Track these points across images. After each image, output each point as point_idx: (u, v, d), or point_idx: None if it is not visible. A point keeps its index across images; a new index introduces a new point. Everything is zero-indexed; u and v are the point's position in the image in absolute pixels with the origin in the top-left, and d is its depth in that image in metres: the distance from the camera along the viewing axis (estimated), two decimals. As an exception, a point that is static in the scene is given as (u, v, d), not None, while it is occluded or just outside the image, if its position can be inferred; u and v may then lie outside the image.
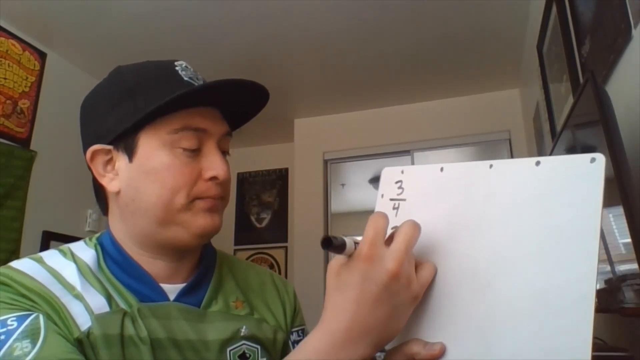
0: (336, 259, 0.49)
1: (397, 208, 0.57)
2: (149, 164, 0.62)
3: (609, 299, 0.91)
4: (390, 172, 0.59)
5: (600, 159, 0.45)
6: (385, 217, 0.49)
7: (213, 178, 0.63)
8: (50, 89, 2.67)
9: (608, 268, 0.93)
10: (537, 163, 0.48)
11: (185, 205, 0.62)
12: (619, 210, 0.77)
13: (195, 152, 0.63)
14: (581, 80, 1.53)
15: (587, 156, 0.45)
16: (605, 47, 1.21)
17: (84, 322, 0.57)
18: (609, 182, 0.77)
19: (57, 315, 0.56)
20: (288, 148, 3.94)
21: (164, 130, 0.62)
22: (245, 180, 4.25)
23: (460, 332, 0.48)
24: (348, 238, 0.48)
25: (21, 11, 2.36)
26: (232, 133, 0.70)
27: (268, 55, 2.85)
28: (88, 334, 0.56)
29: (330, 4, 2.35)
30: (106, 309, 0.59)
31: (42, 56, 2.65)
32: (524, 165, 0.49)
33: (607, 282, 0.93)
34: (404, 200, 0.57)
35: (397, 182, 0.58)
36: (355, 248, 0.47)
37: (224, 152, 0.67)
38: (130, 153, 0.63)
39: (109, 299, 0.60)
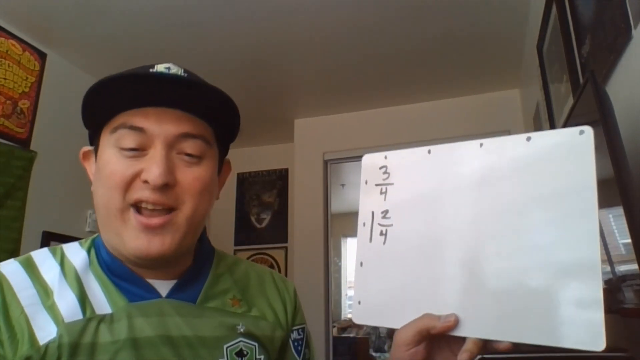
0: None
1: (385, 192, 0.57)
2: (99, 163, 0.63)
3: (609, 299, 0.90)
4: (372, 159, 0.60)
5: (589, 130, 0.46)
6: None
7: (146, 181, 0.59)
8: (50, 89, 2.67)
9: (608, 268, 0.93)
10: (528, 138, 0.50)
11: (120, 209, 0.59)
12: (619, 210, 0.77)
13: (138, 153, 0.60)
14: (581, 80, 1.53)
15: (576, 129, 0.47)
16: (605, 47, 1.21)
17: (45, 335, 0.56)
18: (609, 182, 0.77)
19: (10, 332, 0.56)
20: (288, 148, 3.93)
21: (108, 129, 0.62)
22: (245, 181, 4.25)
23: (469, 316, 0.49)
24: None
25: (21, 11, 2.36)
26: (205, 137, 0.64)
27: (268, 55, 2.85)
28: (47, 346, 0.56)
29: (330, 4, 2.34)
30: (78, 316, 0.58)
31: (42, 56, 2.65)
32: (515, 141, 0.50)
33: (607, 282, 0.93)
34: (391, 184, 0.57)
35: (381, 168, 0.58)
36: None
37: (190, 157, 0.62)
38: (96, 153, 0.65)
39: (84, 305, 0.59)
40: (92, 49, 2.73)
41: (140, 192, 0.59)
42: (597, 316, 0.41)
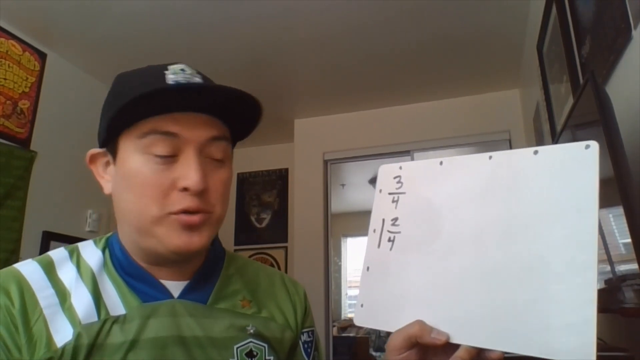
0: None
1: (397, 201, 0.58)
2: (124, 169, 0.62)
3: (609, 299, 0.90)
4: (388, 169, 0.61)
5: (594, 145, 0.47)
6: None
7: (185, 189, 0.59)
8: (50, 90, 2.67)
9: (608, 268, 0.93)
10: (535, 152, 0.51)
11: (158, 217, 0.60)
12: (619, 210, 0.77)
13: (170, 159, 0.60)
14: (581, 80, 1.53)
15: (582, 143, 0.48)
16: (605, 47, 1.21)
17: (62, 337, 0.57)
18: (609, 182, 0.77)
19: (27, 336, 0.56)
20: (288, 148, 3.94)
21: (134, 134, 0.61)
22: (245, 181, 4.25)
23: (464, 324, 0.49)
24: None
25: (21, 11, 2.36)
26: (227, 137, 0.65)
27: (268, 55, 2.85)
28: (64, 349, 0.56)
29: (330, 4, 2.35)
30: (94, 318, 0.59)
31: (42, 57, 2.65)
32: (522, 155, 0.51)
33: (607, 282, 0.93)
34: (403, 193, 0.58)
35: (395, 178, 0.59)
36: None
37: (215, 159, 0.64)
38: (114, 156, 0.64)
39: (99, 307, 0.60)
40: (92, 49, 2.73)
41: (183, 202, 0.60)
42: (589, 329, 0.42)
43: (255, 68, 2.98)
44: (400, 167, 0.60)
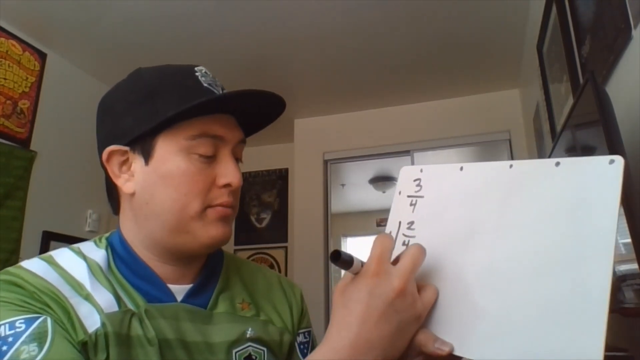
0: (344, 278, 0.50)
1: (415, 204, 0.57)
2: (164, 168, 0.62)
3: (609, 298, 0.90)
4: (409, 171, 0.60)
5: (619, 160, 0.45)
6: (390, 237, 0.50)
7: (227, 185, 0.63)
8: (50, 89, 2.67)
9: (608, 268, 0.93)
10: (557, 164, 0.49)
11: (198, 212, 0.62)
12: (619, 210, 0.77)
13: (211, 159, 0.63)
14: (581, 80, 1.53)
15: (606, 158, 0.46)
16: (605, 47, 1.21)
17: (92, 323, 0.57)
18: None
19: (67, 317, 0.56)
20: (288, 148, 3.94)
21: (181, 135, 0.62)
22: (245, 180, 4.21)
23: (469, 333, 0.48)
24: (355, 257, 0.49)
25: (21, 11, 2.36)
26: (246, 140, 0.70)
27: (268, 55, 2.85)
28: (96, 335, 0.56)
29: (330, 4, 2.35)
30: (115, 308, 0.59)
31: (42, 56, 2.65)
32: (543, 166, 0.50)
33: (607, 282, 0.93)
34: (421, 197, 0.57)
35: (415, 180, 0.59)
36: (362, 266, 0.48)
37: (237, 159, 0.67)
38: (147, 156, 0.63)
39: (118, 299, 0.60)
40: (92, 49, 2.73)
41: (221, 197, 0.64)
42: (599, 328, 0.41)
43: (255, 68, 2.98)
44: (421, 170, 0.59)
